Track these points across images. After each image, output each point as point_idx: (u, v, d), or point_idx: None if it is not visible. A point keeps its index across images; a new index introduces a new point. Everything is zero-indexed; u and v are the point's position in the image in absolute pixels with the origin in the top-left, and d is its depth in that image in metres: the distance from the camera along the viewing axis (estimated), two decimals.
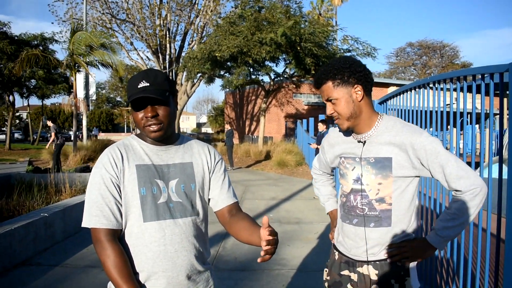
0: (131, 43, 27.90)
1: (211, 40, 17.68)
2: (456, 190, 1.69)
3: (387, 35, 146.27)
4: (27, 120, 50.51)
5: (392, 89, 27.73)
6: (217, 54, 16.37)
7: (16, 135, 44.69)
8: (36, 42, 24.19)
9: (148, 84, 1.51)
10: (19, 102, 51.46)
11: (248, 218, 1.67)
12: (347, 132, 1.91)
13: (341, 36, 18.25)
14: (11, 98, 26.58)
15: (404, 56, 56.89)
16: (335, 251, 2.01)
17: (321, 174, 2.29)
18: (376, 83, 31.87)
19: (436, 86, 3.31)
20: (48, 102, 47.36)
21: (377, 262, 1.81)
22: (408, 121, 3.83)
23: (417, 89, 3.77)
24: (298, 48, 16.14)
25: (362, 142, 1.83)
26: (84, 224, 1.51)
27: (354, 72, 1.72)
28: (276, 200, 9.15)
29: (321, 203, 2.30)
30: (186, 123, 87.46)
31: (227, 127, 17.50)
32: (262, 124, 20.86)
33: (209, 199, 1.76)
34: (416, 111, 3.80)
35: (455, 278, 3.01)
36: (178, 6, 27.11)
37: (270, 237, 1.34)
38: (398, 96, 4.29)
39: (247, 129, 35.71)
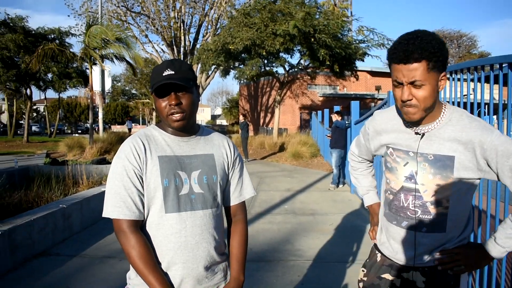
0: (146, 36, 28.05)
1: (225, 32, 17.65)
2: None
3: (403, 25, 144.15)
4: (44, 113, 51.18)
5: None
6: (230, 47, 16.34)
7: (33, 128, 45.41)
8: (53, 36, 24.41)
9: (173, 72, 1.52)
10: (36, 95, 52.08)
11: (238, 243, 1.75)
12: (399, 119, 1.67)
13: (356, 26, 18.09)
14: (28, 91, 26.96)
15: None
16: (377, 252, 1.84)
17: (360, 162, 2.06)
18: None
19: (453, 76, 3.25)
20: (64, 95, 47.87)
21: (426, 269, 1.65)
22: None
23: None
24: (312, 40, 16.02)
25: (420, 134, 1.59)
26: (106, 214, 1.52)
27: (445, 57, 1.45)
28: (291, 191, 9.14)
29: (360, 195, 2.09)
30: (201, 115, 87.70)
31: (241, 119, 17.44)
32: (277, 116, 20.80)
33: (227, 192, 1.78)
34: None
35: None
36: None
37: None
38: None
39: (261, 121, 35.67)
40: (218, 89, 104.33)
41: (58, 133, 40.11)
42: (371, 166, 2.10)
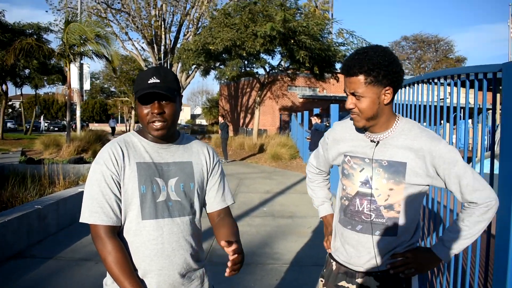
0: (126, 33, 27.70)
1: (205, 32, 17.59)
2: (471, 202, 1.61)
3: (383, 28, 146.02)
4: (20, 109, 50.13)
5: None
6: (211, 47, 16.30)
7: (8, 124, 44.37)
8: (31, 31, 23.96)
9: (158, 81, 1.53)
10: (12, 91, 51.04)
11: (228, 227, 1.69)
12: (356, 129, 1.78)
13: (337, 29, 18.27)
14: (4, 87, 26.37)
15: (399, 50, 56.84)
16: (331, 260, 1.89)
17: (317, 173, 2.13)
18: None
19: (430, 81, 3.34)
20: (41, 91, 47.00)
21: (379, 274, 1.72)
22: (406, 116, 3.88)
23: (410, 86, 3.80)
24: (292, 41, 16.10)
25: (374, 142, 1.70)
26: (84, 220, 1.52)
27: (390, 73, 1.57)
28: (270, 193, 9.18)
29: (315, 206, 2.16)
30: (181, 114, 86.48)
31: (221, 119, 17.42)
32: (257, 117, 20.85)
33: (204, 199, 1.77)
34: (410, 105, 3.83)
35: (445, 273, 3.04)
36: None
37: (235, 256, 1.46)
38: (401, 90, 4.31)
39: (241, 121, 35.66)
40: (198, 88, 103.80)
41: (34, 130, 39.28)
42: (327, 178, 2.18)
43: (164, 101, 1.55)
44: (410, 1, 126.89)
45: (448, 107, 3.14)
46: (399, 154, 1.65)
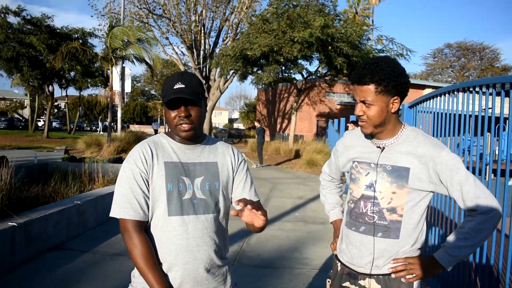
0: (167, 38, 28.34)
1: (243, 38, 17.79)
2: (472, 210, 1.64)
3: (425, 35, 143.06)
4: (65, 109, 52.07)
5: (427, 91, 27.18)
6: (248, 52, 16.47)
7: (54, 124, 46.21)
8: (76, 36, 24.91)
9: (183, 86, 1.62)
10: (58, 92, 53.09)
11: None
12: (365, 136, 1.87)
13: (376, 35, 18.07)
14: (50, 88, 27.49)
15: (442, 58, 55.50)
16: (337, 261, 1.96)
17: (329, 180, 2.22)
18: (411, 84, 31.22)
19: (471, 90, 3.27)
20: (85, 93, 48.66)
21: (380, 277, 1.77)
22: (442, 126, 3.81)
23: (450, 94, 3.73)
24: (330, 48, 16.04)
25: (380, 148, 1.79)
26: (113, 214, 1.63)
27: (399, 83, 1.66)
28: (303, 199, 9.17)
29: (326, 211, 2.23)
30: (219, 118, 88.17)
31: (257, 124, 17.53)
32: (293, 123, 20.85)
33: (231, 198, 1.83)
34: (450, 115, 3.74)
35: (476, 279, 2.99)
36: (214, 2, 27.32)
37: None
38: (430, 100, 4.25)
39: (278, 126, 35.72)
40: (237, 93, 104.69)
41: (77, 130, 40.72)
42: (340, 186, 2.25)
43: (189, 105, 1.64)
44: (454, 7, 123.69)
45: (490, 117, 3.07)
46: (402, 160, 1.72)
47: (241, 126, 72.38)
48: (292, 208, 8.06)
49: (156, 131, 38.59)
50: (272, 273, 4.47)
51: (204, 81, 28.55)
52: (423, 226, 1.78)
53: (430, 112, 4.22)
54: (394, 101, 1.70)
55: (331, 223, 2.19)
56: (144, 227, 1.64)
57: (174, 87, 1.62)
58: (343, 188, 2.31)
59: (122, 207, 1.60)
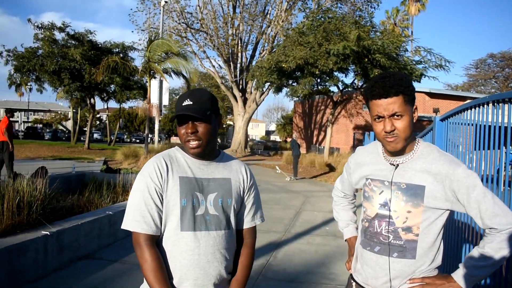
0: (204, 52, 28.93)
1: (279, 51, 17.90)
2: (491, 228, 1.57)
3: (467, 45, 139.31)
4: (106, 121, 53.75)
5: None
6: (283, 65, 16.54)
7: (95, 135, 47.82)
8: (117, 50, 25.78)
9: (191, 103, 1.65)
10: (100, 105, 54.98)
11: (240, 262, 1.81)
12: (377, 153, 1.82)
13: (414, 46, 17.75)
14: (92, 101, 28.48)
15: (485, 68, 53.67)
16: (352, 281, 1.90)
17: (342, 197, 2.17)
18: (452, 96, 30.49)
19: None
20: (126, 105, 50.09)
21: None
22: (479, 139, 3.64)
23: (482, 106, 3.59)
24: (366, 60, 15.88)
25: (394, 165, 1.73)
26: (125, 226, 1.65)
27: (414, 93, 1.65)
28: None
29: (340, 228, 2.17)
30: (256, 130, 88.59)
31: (288, 139, 17.52)
32: (329, 135, 20.69)
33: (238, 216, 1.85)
34: (489, 126, 3.56)
35: None
36: (251, 16, 27.73)
37: None
38: (464, 112, 4.10)
39: (314, 139, 35.55)
40: (274, 105, 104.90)
41: (118, 141, 41.88)
42: (353, 202, 2.19)
43: (197, 121, 1.66)
44: (497, 15, 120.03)
45: None
46: (417, 177, 1.66)
47: (278, 138, 72.44)
48: (323, 222, 7.96)
49: None
50: (297, 287, 4.42)
51: (240, 94, 28.85)
52: (440, 244, 1.72)
53: (472, 125, 4.01)
54: (415, 110, 1.67)
55: (345, 240, 2.13)
56: (156, 241, 1.66)
57: (183, 104, 1.66)
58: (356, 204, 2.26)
59: (135, 220, 1.62)
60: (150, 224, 1.62)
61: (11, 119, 10.41)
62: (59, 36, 25.14)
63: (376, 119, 1.66)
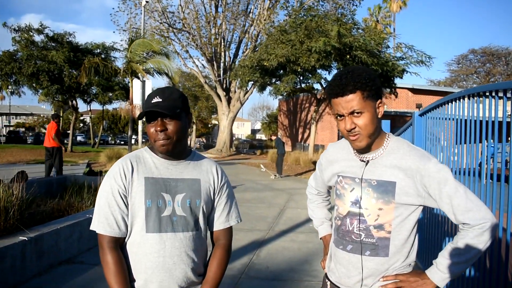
0: (187, 51, 28.76)
1: (261, 49, 17.91)
2: (464, 224, 1.55)
3: (448, 41, 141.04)
4: (89, 124, 53.22)
5: None
6: (265, 63, 16.55)
7: (79, 138, 47.27)
8: (98, 51, 25.50)
9: (160, 100, 1.62)
10: (83, 107, 54.41)
11: (212, 264, 1.78)
12: (348, 149, 1.78)
13: (396, 43, 17.92)
14: (74, 103, 28.14)
15: (466, 64, 54.40)
16: (327, 280, 1.87)
17: (316, 194, 2.13)
18: (435, 91, 30.85)
19: (493, 94, 3.12)
20: (110, 107, 49.61)
21: None
22: (460, 132, 3.63)
23: (459, 100, 3.60)
24: (348, 57, 15.96)
25: (365, 162, 1.69)
26: (92, 227, 1.65)
27: (378, 86, 1.60)
28: None
29: (314, 226, 2.14)
30: (241, 130, 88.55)
31: (273, 137, 17.57)
32: (313, 132, 20.74)
33: (209, 217, 1.82)
34: (470, 121, 3.53)
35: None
36: (233, 15, 27.66)
37: None
38: (442, 106, 4.13)
39: (300, 136, 35.62)
40: (259, 104, 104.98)
41: (102, 143, 41.44)
42: (327, 199, 2.16)
43: (167, 119, 1.63)
44: (478, 12, 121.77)
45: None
46: (388, 173, 1.63)
47: (263, 137, 72.49)
48: (307, 219, 7.95)
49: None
50: (279, 285, 4.42)
51: (224, 93, 28.78)
52: (414, 240, 1.69)
53: (449, 119, 4.02)
54: (379, 104, 1.62)
55: (320, 238, 2.10)
56: (121, 243, 1.64)
57: (152, 101, 1.62)
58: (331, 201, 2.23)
59: (99, 222, 1.62)
60: (113, 226, 1.61)
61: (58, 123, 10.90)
62: (38, 38, 24.82)
63: (338, 117, 1.64)
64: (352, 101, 1.56)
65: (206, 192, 1.76)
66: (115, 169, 1.66)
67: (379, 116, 1.63)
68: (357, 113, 1.57)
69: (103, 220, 1.61)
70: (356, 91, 1.55)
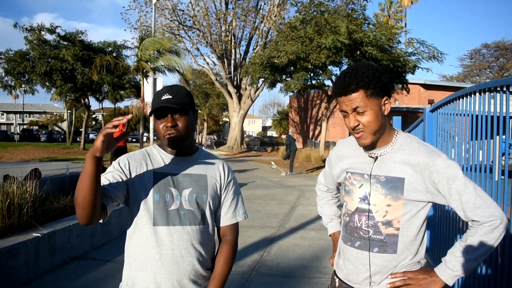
0: (198, 49, 28.83)
1: (271, 46, 17.90)
2: (473, 221, 1.53)
3: (461, 36, 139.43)
4: (101, 121, 53.61)
5: None
6: (275, 60, 16.54)
7: (91, 135, 47.66)
8: (110, 49, 25.68)
9: (170, 97, 1.66)
10: (96, 105, 54.87)
11: (219, 260, 1.77)
12: (357, 145, 1.76)
13: (408, 38, 17.79)
14: (86, 101, 28.38)
15: (479, 58, 53.71)
16: (335, 277, 1.87)
17: (326, 191, 2.13)
18: (447, 87, 30.55)
19: (498, 90, 3.08)
20: (122, 104, 49.95)
21: None
22: (471, 128, 3.59)
23: (469, 96, 3.56)
24: (358, 53, 15.87)
25: (373, 158, 1.69)
26: None
27: (384, 83, 1.59)
28: None
29: (324, 223, 2.14)
30: (252, 127, 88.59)
31: (283, 136, 17.55)
32: (324, 129, 20.69)
33: (216, 212, 1.84)
34: (482, 116, 3.49)
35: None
36: (243, 12, 27.65)
37: None
38: (453, 102, 4.09)
39: (311, 133, 35.54)
40: (270, 101, 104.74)
41: None
42: (337, 196, 2.16)
43: (176, 115, 1.66)
44: (490, 6, 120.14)
45: None
46: (396, 170, 1.62)
47: (274, 134, 72.47)
48: (317, 216, 7.89)
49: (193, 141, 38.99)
50: (291, 282, 4.43)
51: (235, 90, 28.82)
52: (423, 237, 1.68)
53: (460, 115, 3.96)
54: (385, 102, 1.61)
55: (329, 235, 2.10)
56: (106, 202, 1.57)
57: (162, 98, 1.66)
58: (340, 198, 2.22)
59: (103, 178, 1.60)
60: (111, 184, 1.60)
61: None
62: (50, 37, 25.07)
63: (344, 115, 1.65)
64: (355, 99, 1.57)
65: (212, 187, 1.78)
66: (122, 159, 1.71)
67: (386, 113, 1.63)
68: (360, 111, 1.58)
69: (103, 178, 1.60)
70: (358, 90, 1.56)
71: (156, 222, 1.65)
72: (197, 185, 1.74)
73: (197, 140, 49.21)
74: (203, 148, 1.93)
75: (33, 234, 4.39)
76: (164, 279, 1.64)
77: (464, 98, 3.70)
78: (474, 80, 52.67)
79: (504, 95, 2.78)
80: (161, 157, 1.76)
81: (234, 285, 4.20)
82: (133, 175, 1.67)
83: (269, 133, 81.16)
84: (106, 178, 1.62)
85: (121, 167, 1.67)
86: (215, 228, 1.83)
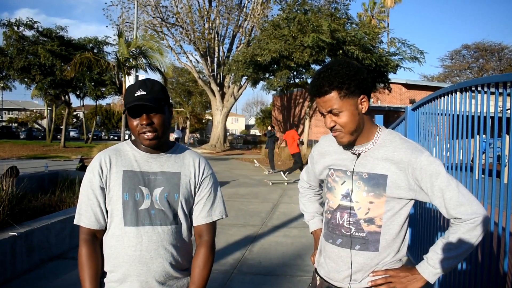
0: (181, 46, 28.61)
1: (255, 44, 17.88)
2: (456, 218, 1.53)
3: (442, 37, 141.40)
4: (82, 119, 52.98)
5: None
6: (258, 58, 16.52)
7: (72, 133, 47.05)
8: (91, 45, 25.33)
9: (144, 93, 1.59)
10: (77, 102, 54.16)
11: (196, 263, 1.72)
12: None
13: (390, 38, 17.95)
14: (67, 98, 27.97)
15: (460, 59, 54.57)
16: (316, 275, 1.85)
17: (308, 188, 2.10)
18: (428, 87, 30.94)
19: (479, 90, 3.09)
20: (104, 102, 49.41)
21: None
22: (452, 127, 3.61)
23: (451, 94, 3.59)
24: (341, 52, 15.95)
25: (356, 155, 1.67)
26: (74, 221, 1.67)
27: (360, 81, 1.55)
28: None
29: (305, 221, 2.12)
30: (235, 125, 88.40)
31: (268, 128, 17.55)
32: (307, 128, 20.76)
33: (191, 212, 1.79)
34: (463, 116, 3.50)
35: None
36: (227, 9, 27.54)
37: None
38: (434, 101, 4.11)
39: None
40: (253, 99, 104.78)
41: (95, 138, 41.27)
42: (319, 193, 2.13)
43: (152, 113, 1.60)
44: (471, 7, 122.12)
45: (508, 118, 2.92)
46: (379, 166, 1.61)
47: (257, 132, 72.45)
48: (300, 214, 7.90)
49: (177, 139, 38.61)
50: (272, 280, 4.41)
51: (218, 88, 28.71)
52: (405, 235, 1.67)
53: (445, 114, 3.96)
54: (362, 100, 1.58)
55: (311, 233, 2.08)
56: (99, 236, 1.67)
57: (135, 94, 1.59)
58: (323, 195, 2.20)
59: (79, 214, 1.65)
60: (91, 219, 1.63)
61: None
62: (29, 33, 24.61)
63: (321, 115, 1.65)
64: (329, 101, 1.56)
65: (185, 186, 1.72)
66: (94, 163, 1.66)
67: (363, 111, 1.60)
68: (335, 113, 1.57)
69: (82, 212, 1.64)
70: (331, 92, 1.55)
71: (126, 223, 1.62)
72: (169, 184, 1.69)
73: (185, 139, 48.93)
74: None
75: (10, 233, 4.28)
76: (133, 281, 1.61)
77: (446, 96, 3.73)
78: (455, 80, 53.48)
79: (485, 94, 2.81)
80: (133, 154, 1.70)
81: (216, 284, 4.17)
82: (104, 179, 1.64)
83: (252, 131, 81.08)
84: (97, 200, 1.64)
85: (97, 177, 1.64)
86: (192, 228, 1.79)
